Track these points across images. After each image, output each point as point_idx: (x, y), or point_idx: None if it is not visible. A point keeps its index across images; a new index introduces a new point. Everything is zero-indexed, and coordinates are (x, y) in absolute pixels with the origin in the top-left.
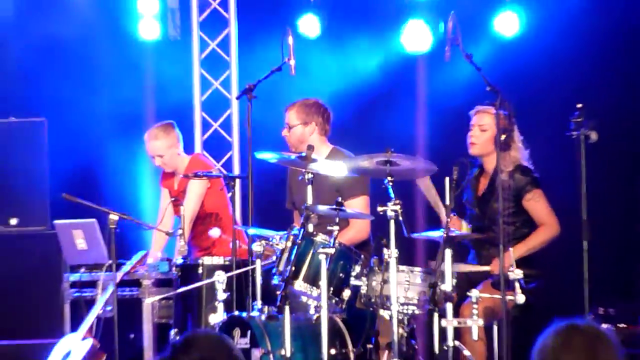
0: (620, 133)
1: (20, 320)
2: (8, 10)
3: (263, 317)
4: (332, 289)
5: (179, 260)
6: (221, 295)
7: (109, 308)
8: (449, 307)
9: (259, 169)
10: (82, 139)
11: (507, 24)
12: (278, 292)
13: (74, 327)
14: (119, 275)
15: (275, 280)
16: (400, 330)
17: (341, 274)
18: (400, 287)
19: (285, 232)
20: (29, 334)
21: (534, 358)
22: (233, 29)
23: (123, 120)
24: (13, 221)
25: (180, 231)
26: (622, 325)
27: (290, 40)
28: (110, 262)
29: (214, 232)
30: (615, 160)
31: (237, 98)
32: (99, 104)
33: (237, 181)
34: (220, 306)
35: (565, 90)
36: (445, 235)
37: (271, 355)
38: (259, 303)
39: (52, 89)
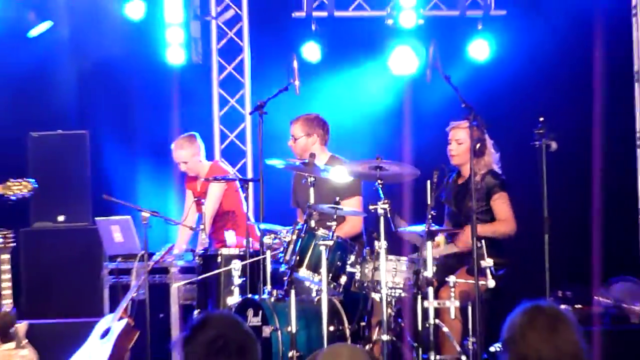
0: (575, 143)
1: (68, 302)
2: (63, 37)
3: (272, 299)
4: (330, 275)
5: (200, 251)
6: (237, 281)
7: (141, 292)
8: (430, 290)
9: (269, 174)
10: (118, 148)
11: (480, 50)
12: (285, 278)
13: (112, 308)
14: (150, 264)
15: (283, 268)
16: (389, 310)
17: (338, 263)
18: (389, 274)
19: (291, 227)
20: (75, 314)
21: (503, 334)
22: (247, 54)
23: (153, 132)
24: (61, 218)
25: (202, 226)
26: (578, 306)
27: (295, 64)
28: (143, 252)
29: (230, 236)
30: (571, 166)
31: (250, 113)
32: (133, 118)
33: (250, 184)
34: (236, 290)
35: (529, 106)
36: (427, 229)
37: (279, 332)
38: (268, 287)
39: (94, 105)
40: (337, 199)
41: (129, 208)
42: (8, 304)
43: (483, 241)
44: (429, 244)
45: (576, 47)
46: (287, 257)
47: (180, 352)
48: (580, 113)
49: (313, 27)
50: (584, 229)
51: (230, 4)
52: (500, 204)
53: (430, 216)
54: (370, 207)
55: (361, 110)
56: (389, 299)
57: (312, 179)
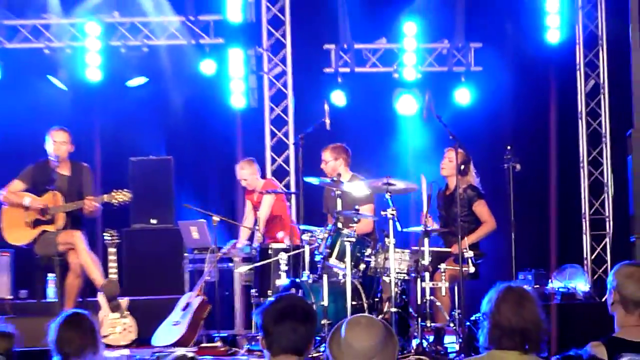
0: (535, 165)
1: (158, 283)
2: (155, 86)
3: (310, 281)
4: (352, 263)
5: (256, 245)
6: (283, 268)
7: (212, 276)
8: (427, 274)
9: (306, 188)
10: (195, 169)
11: (463, 97)
12: (319, 265)
13: (191, 288)
14: (219, 255)
15: (317, 258)
16: (396, 289)
17: (358, 254)
18: (396, 262)
19: (323, 227)
20: (163, 292)
21: (482, 307)
22: (290, 100)
23: (221, 157)
24: (153, 221)
25: (257, 227)
26: (537, 286)
27: (326, 107)
28: (213, 246)
29: (280, 235)
30: (531, 182)
31: (293, 144)
32: (206, 147)
33: (293, 196)
34: (283, 274)
35: (499, 138)
36: (424, 230)
37: (315, 305)
38: (307, 272)
39: (177, 137)
40: (357, 206)
41: (203, 214)
42: None
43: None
44: (425, 240)
45: (535, 94)
46: (321, 250)
47: (260, 318)
48: (539, 143)
49: (339, 80)
50: (542, 228)
51: (278, 62)
52: (481, 209)
53: (425, 219)
54: (382, 212)
55: (375, 140)
56: (396, 281)
57: (339, 192)
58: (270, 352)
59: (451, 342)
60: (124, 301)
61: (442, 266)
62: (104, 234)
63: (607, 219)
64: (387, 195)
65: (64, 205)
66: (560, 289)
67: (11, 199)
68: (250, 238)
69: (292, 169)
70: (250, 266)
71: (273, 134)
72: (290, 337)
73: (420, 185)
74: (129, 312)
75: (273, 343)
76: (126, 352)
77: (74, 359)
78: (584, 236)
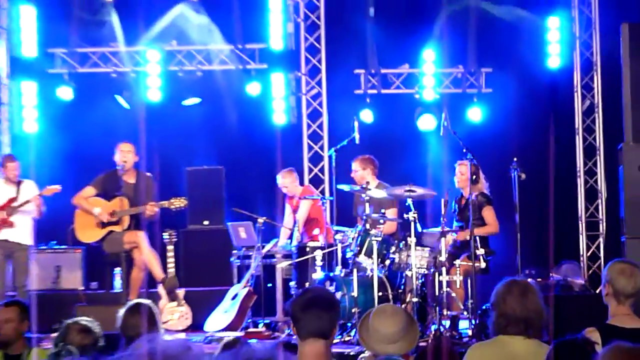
0: (537, 174)
1: (210, 276)
2: (207, 106)
3: (342, 275)
4: (379, 259)
5: (296, 243)
6: (319, 263)
7: (257, 270)
8: (444, 269)
9: (339, 194)
10: (242, 177)
11: (475, 115)
12: (350, 261)
13: (239, 280)
14: (263, 252)
15: (349, 255)
16: (417, 282)
17: (384, 251)
18: (417, 259)
19: (353, 228)
20: (214, 284)
21: (491, 298)
22: (325, 118)
23: (265, 167)
24: (206, 222)
25: (297, 228)
26: (539, 279)
27: (356, 124)
28: (259, 244)
29: (316, 232)
30: (534, 189)
31: (328, 156)
32: (252, 158)
33: (327, 201)
34: (318, 269)
35: (507, 151)
36: (441, 230)
37: (346, 296)
38: (340, 267)
39: (227, 150)
40: (383, 210)
41: (249, 216)
42: None
43: (477, 238)
44: (442, 239)
45: (538, 112)
46: (352, 248)
47: (290, 308)
48: (541, 155)
49: (367, 100)
50: (543, 229)
51: (315, 85)
52: (488, 213)
53: (443, 222)
54: (405, 215)
55: (398, 152)
56: (416, 275)
57: (367, 197)
58: (299, 336)
59: (465, 328)
60: (180, 292)
61: (457, 262)
62: (164, 233)
63: (601, 222)
64: (409, 201)
65: (129, 209)
66: (559, 282)
67: (83, 205)
68: (290, 237)
69: (326, 177)
70: (290, 262)
71: (310, 147)
72: (316, 323)
73: (444, 197)
74: (185, 302)
75: (301, 329)
76: (182, 336)
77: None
78: (580, 236)
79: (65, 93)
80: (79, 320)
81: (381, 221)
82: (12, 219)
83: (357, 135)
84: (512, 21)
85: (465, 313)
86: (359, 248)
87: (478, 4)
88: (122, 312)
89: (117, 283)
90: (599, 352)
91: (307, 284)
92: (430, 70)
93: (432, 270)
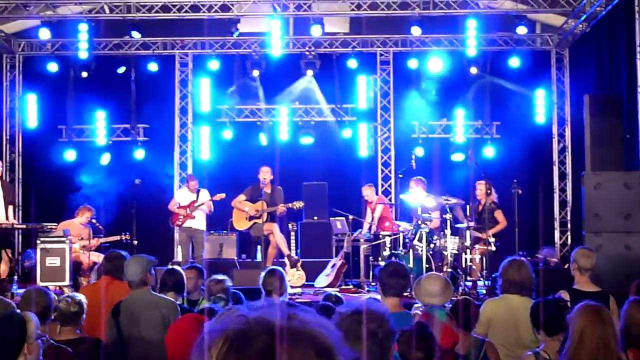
0: (529, 190)
1: (317, 252)
2: (315, 138)
3: (402, 253)
4: (427, 244)
5: (373, 233)
6: (387, 245)
7: (347, 249)
8: (468, 251)
9: (402, 201)
10: (339, 189)
11: (489, 152)
12: (408, 244)
13: (336, 255)
14: (352, 237)
15: (407, 240)
16: (450, 259)
17: (430, 238)
18: (450, 244)
19: (411, 223)
20: (320, 257)
21: (499, 270)
22: (392, 151)
23: (354, 182)
24: (315, 217)
25: (373, 222)
26: (529, 258)
27: (413, 156)
28: (349, 233)
29: (387, 225)
30: (526, 199)
31: (395, 175)
32: (345, 176)
33: (394, 205)
34: (387, 249)
35: (510, 175)
36: (467, 226)
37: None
38: (401, 248)
39: (329, 171)
40: (429, 212)
41: (343, 214)
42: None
43: (492, 234)
44: (467, 232)
45: (530, 151)
46: (409, 236)
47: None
48: (531, 177)
49: (420, 141)
50: (532, 226)
51: (386, 131)
52: (498, 215)
53: (468, 220)
54: (443, 216)
55: (439, 175)
56: (450, 254)
57: (419, 204)
58: (383, 294)
59: (481, 289)
60: (299, 261)
61: (476, 247)
62: (288, 224)
63: (569, 222)
64: (447, 206)
65: (267, 208)
66: (541, 260)
67: (238, 206)
68: (369, 229)
69: (392, 190)
70: (369, 244)
71: (382, 171)
72: (395, 286)
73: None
74: (301, 268)
75: (386, 289)
76: (299, 290)
77: (273, 294)
78: (555, 231)
79: (227, 134)
80: (213, 277)
81: (428, 219)
82: (193, 214)
83: (413, 164)
84: (513, 92)
85: (481, 279)
86: (413, 236)
87: (492, 81)
88: (262, 274)
89: (258, 255)
90: (572, 308)
91: (380, 259)
92: (460, 123)
93: (460, 251)
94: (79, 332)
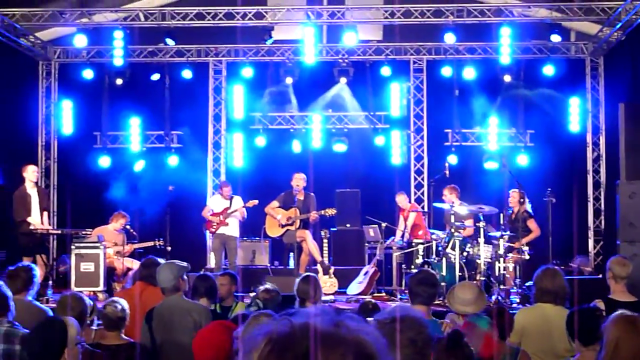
0: (563, 199)
1: (349, 260)
2: (348, 146)
3: (435, 261)
4: (460, 252)
5: (406, 240)
6: (420, 253)
7: (380, 256)
8: (501, 259)
9: (435, 209)
10: (372, 196)
11: (523, 160)
12: (441, 252)
13: (369, 263)
14: (384, 245)
15: (440, 248)
16: (483, 267)
17: (463, 247)
18: (484, 252)
19: (444, 231)
20: (352, 265)
21: (533, 278)
22: (425, 159)
23: (386, 190)
24: (348, 225)
25: (406, 230)
26: (562, 266)
27: (447, 164)
28: (381, 240)
29: (420, 233)
30: (560, 208)
31: (427, 184)
32: (378, 184)
33: (427, 213)
34: (420, 257)
35: (544, 183)
36: (501, 235)
37: (438, 275)
38: (434, 256)
39: (362, 179)
40: (463, 220)
41: (376, 221)
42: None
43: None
44: (501, 240)
45: (564, 159)
46: (442, 244)
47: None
48: (566, 186)
49: (453, 149)
50: (566, 235)
51: (419, 139)
52: (531, 224)
53: (502, 229)
54: (477, 224)
55: (473, 183)
56: (484, 262)
57: (453, 212)
58: (412, 302)
59: (514, 297)
60: (331, 269)
61: (510, 255)
62: (321, 231)
63: (603, 230)
64: (480, 214)
65: (299, 215)
66: (575, 269)
67: (271, 213)
68: (402, 236)
69: (426, 198)
70: (402, 252)
71: (415, 179)
72: (423, 295)
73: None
74: (333, 275)
75: (414, 297)
76: (332, 298)
77: (307, 302)
78: (590, 240)
79: (261, 141)
80: (265, 285)
81: (462, 227)
82: (226, 221)
83: (447, 172)
84: (547, 100)
85: (515, 287)
86: (446, 244)
87: (526, 88)
88: (297, 281)
89: (291, 262)
90: (607, 318)
91: (412, 267)
92: (494, 131)
93: (493, 259)
94: (124, 338)
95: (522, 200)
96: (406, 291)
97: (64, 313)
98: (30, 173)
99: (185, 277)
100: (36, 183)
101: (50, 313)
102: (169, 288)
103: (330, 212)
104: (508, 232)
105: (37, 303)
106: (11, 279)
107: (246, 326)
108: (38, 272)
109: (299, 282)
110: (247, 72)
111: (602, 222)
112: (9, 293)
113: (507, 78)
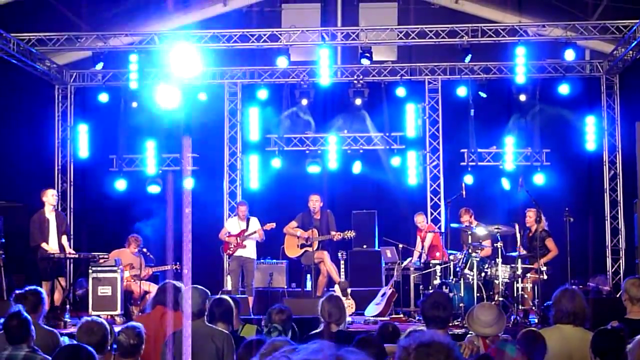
0: (581, 218)
1: (367, 281)
2: (363, 168)
3: (453, 281)
4: (478, 272)
5: (423, 261)
6: (438, 274)
7: (397, 278)
8: (519, 279)
9: (452, 230)
10: (388, 217)
11: (540, 179)
12: (459, 273)
13: (386, 284)
14: (402, 265)
15: (458, 269)
16: (501, 287)
17: (481, 267)
18: (502, 272)
19: (461, 252)
20: (370, 285)
21: (552, 299)
22: (441, 179)
23: (404, 210)
24: (365, 246)
25: (424, 251)
26: (580, 286)
27: (463, 185)
28: (398, 261)
29: (437, 254)
30: (578, 227)
31: (444, 204)
32: (394, 204)
33: (444, 234)
34: (438, 278)
35: (561, 203)
36: (518, 254)
37: (456, 296)
38: (451, 277)
39: (378, 199)
40: (480, 240)
41: (392, 243)
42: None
43: (543, 263)
44: (519, 260)
45: (580, 178)
46: (460, 264)
47: (421, 307)
48: (583, 205)
49: (469, 169)
50: (584, 254)
51: (435, 159)
52: (549, 243)
53: (519, 248)
54: (495, 244)
55: (489, 203)
56: (502, 283)
57: (469, 232)
58: (427, 326)
59: (533, 318)
60: (349, 290)
61: (528, 275)
62: (338, 253)
63: (621, 249)
64: (497, 234)
65: (318, 237)
66: (593, 289)
67: (290, 232)
68: (419, 257)
69: (442, 218)
70: (419, 273)
71: (431, 199)
72: (436, 320)
73: (515, 229)
74: (351, 296)
75: (428, 322)
76: (349, 319)
77: (332, 324)
78: (607, 259)
79: (276, 163)
80: (278, 306)
81: (479, 247)
82: (244, 243)
83: (463, 192)
84: (563, 119)
85: (533, 308)
86: (464, 265)
87: (541, 108)
88: (321, 302)
89: (308, 284)
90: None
91: (430, 288)
92: (510, 150)
93: (511, 279)
94: None
95: (538, 219)
96: None
97: (86, 338)
98: (50, 197)
99: (207, 302)
100: (54, 207)
101: (59, 336)
102: (195, 312)
103: (350, 234)
104: (525, 252)
105: (46, 326)
106: (19, 303)
107: (261, 356)
108: (46, 296)
109: (323, 302)
110: (263, 94)
111: (620, 240)
112: (30, 318)
113: (523, 97)
